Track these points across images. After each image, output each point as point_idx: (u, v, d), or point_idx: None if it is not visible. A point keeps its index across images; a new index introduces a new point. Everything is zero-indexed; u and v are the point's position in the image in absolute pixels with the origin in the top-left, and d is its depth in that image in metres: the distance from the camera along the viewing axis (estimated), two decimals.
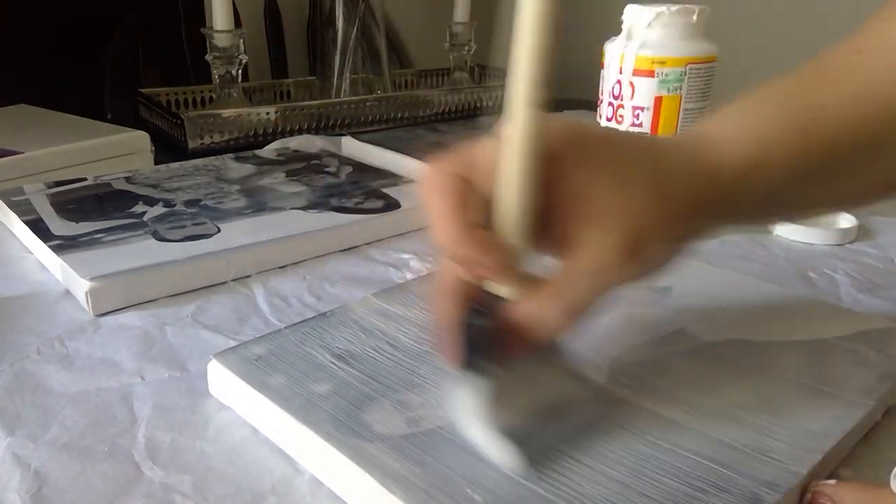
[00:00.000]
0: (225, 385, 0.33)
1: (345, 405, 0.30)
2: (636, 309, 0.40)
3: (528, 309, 0.27)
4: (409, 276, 0.47)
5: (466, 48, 1.04)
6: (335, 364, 0.33)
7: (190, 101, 0.89)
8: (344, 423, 0.29)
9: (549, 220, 0.28)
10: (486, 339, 0.28)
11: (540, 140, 0.26)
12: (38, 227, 0.48)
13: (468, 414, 0.28)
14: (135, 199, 0.55)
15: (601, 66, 0.53)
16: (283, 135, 0.81)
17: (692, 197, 0.30)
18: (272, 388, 0.31)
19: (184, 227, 0.49)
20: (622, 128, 0.51)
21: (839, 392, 0.32)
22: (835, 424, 0.30)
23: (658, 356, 0.35)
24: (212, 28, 0.81)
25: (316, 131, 0.83)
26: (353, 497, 0.28)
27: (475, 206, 0.27)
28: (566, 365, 0.31)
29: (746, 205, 0.32)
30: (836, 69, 0.34)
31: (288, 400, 0.30)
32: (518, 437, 0.27)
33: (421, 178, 0.28)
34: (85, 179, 0.59)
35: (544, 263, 0.29)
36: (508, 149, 0.27)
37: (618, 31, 0.52)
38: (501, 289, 0.28)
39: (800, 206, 0.36)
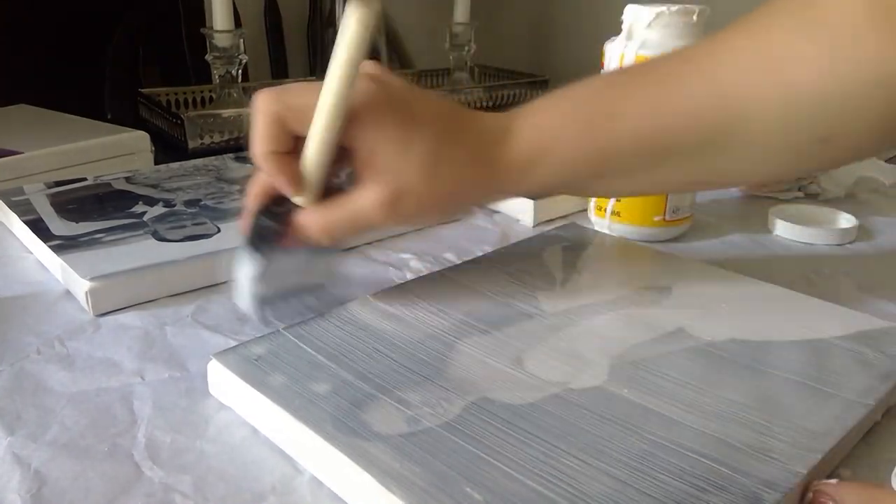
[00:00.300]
0: (225, 385, 0.33)
1: (344, 405, 0.30)
2: (636, 309, 0.40)
3: (302, 219, 0.37)
4: (408, 276, 0.47)
5: (466, 48, 1.04)
6: (335, 364, 0.33)
7: (190, 101, 0.89)
8: (344, 422, 0.29)
9: (351, 159, 0.36)
10: (271, 230, 0.37)
11: (350, 93, 0.33)
12: (38, 227, 0.48)
13: (241, 278, 0.37)
14: (135, 199, 0.55)
15: (601, 65, 0.53)
16: None
17: (465, 180, 0.36)
18: (272, 387, 0.31)
19: (184, 227, 0.49)
20: None
21: (839, 392, 0.32)
22: (835, 424, 0.30)
23: (658, 356, 0.35)
24: (212, 28, 0.81)
25: None
26: (353, 497, 0.28)
27: (280, 135, 0.35)
28: (323, 262, 0.41)
29: (523, 188, 0.38)
30: (654, 75, 0.37)
31: (288, 400, 0.30)
32: (272, 300, 0.38)
33: (253, 104, 0.35)
34: (85, 179, 0.59)
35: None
36: (322, 99, 0.34)
37: (618, 31, 0.52)
38: (296, 199, 0.37)
39: (587, 192, 0.43)
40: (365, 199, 0.35)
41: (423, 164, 0.35)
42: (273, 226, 0.37)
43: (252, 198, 0.38)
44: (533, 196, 0.42)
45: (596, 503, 0.25)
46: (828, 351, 0.36)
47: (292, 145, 0.36)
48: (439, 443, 0.28)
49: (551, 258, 0.46)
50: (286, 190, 0.36)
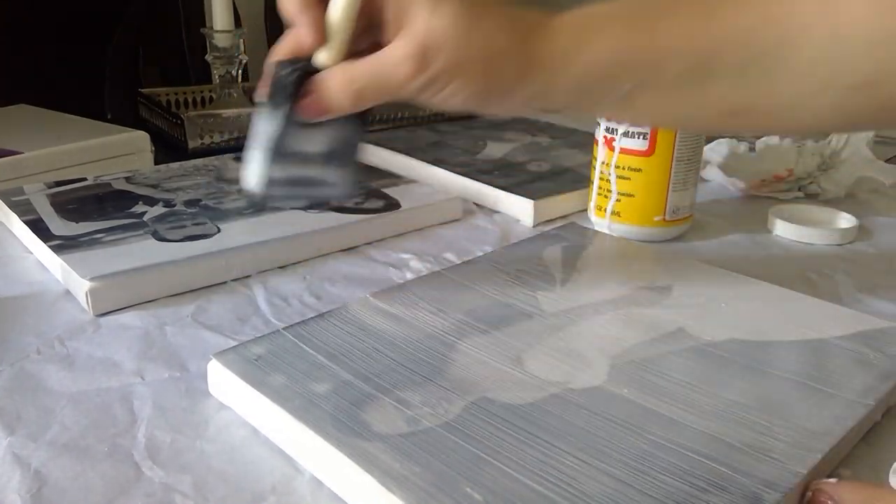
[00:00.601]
0: (225, 385, 0.33)
1: (344, 405, 0.30)
2: (636, 309, 0.40)
3: (324, 77, 0.35)
4: (409, 276, 0.47)
5: None
6: (335, 364, 0.33)
7: (190, 101, 0.89)
8: (344, 422, 0.29)
9: (380, 19, 0.34)
10: (293, 83, 0.35)
11: None
12: (38, 227, 0.48)
13: (255, 144, 0.36)
14: (135, 199, 0.55)
15: None
16: None
17: (498, 44, 0.34)
18: (272, 387, 0.31)
19: (184, 227, 0.49)
20: (622, 128, 0.51)
21: (839, 392, 0.32)
22: (835, 424, 0.30)
23: (658, 356, 0.35)
24: (212, 28, 0.81)
25: None
26: (353, 497, 0.28)
27: None
28: (345, 130, 0.38)
29: (559, 81, 0.35)
30: None
31: (288, 400, 0.30)
32: (280, 182, 0.37)
33: None
34: (85, 179, 0.59)
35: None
36: None
37: None
38: (318, 55, 0.35)
39: (625, 107, 0.37)
40: (391, 51, 0.33)
41: (454, 19, 0.33)
42: (295, 78, 0.35)
43: (276, 54, 0.36)
44: (569, 101, 0.37)
45: (596, 503, 0.25)
46: (828, 351, 0.36)
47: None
48: (439, 443, 0.28)
49: (551, 258, 0.46)
50: (310, 41, 0.34)
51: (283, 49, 0.36)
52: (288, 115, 0.35)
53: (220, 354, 0.34)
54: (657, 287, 0.42)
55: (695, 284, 0.43)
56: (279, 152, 0.36)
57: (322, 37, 0.34)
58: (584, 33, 0.34)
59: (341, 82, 0.34)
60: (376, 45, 0.35)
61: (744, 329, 0.37)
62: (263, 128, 0.35)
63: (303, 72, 0.35)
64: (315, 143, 0.37)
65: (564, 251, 0.47)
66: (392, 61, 0.33)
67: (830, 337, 0.37)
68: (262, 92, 0.36)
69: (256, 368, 0.33)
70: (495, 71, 0.34)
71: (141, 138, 0.69)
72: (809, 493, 0.27)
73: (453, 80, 0.34)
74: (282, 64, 0.35)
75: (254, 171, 0.36)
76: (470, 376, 0.33)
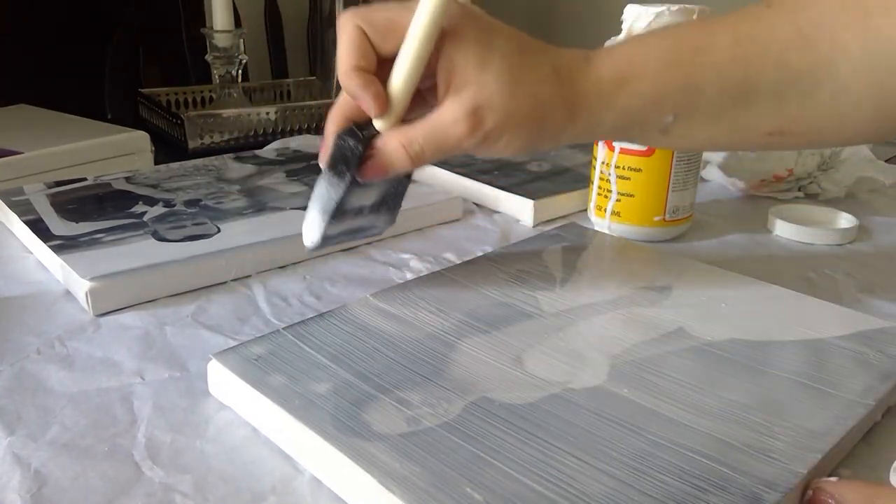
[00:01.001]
0: (225, 385, 0.33)
1: (344, 405, 0.30)
2: (636, 309, 0.40)
3: (383, 141, 0.36)
4: (409, 276, 0.47)
5: None
6: (335, 364, 0.33)
7: (190, 101, 0.89)
8: (344, 422, 0.29)
9: (432, 81, 0.36)
10: (355, 151, 0.36)
11: (442, 18, 0.34)
12: (38, 227, 0.48)
13: (316, 208, 0.37)
14: (135, 199, 0.55)
15: None
16: (283, 135, 0.81)
17: (545, 95, 0.36)
18: (272, 387, 0.31)
19: (184, 227, 0.49)
20: None
21: (839, 392, 0.32)
22: (835, 424, 0.30)
23: (658, 355, 0.35)
24: (212, 28, 0.81)
25: (316, 131, 0.83)
26: (353, 497, 0.28)
27: (366, 50, 0.35)
28: (395, 180, 0.40)
29: (604, 119, 0.37)
30: (737, 18, 0.36)
31: (288, 400, 0.30)
32: (336, 237, 0.39)
33: (337, 24, 0.36)
34: (85, 179, 0.59)
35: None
36: (419, 15, 0.34)
37: (618, 31, 0.52)
38: (377, 122, 0.36)
39: (667, 137, 0.38)
40: (446, 114, 0.35)
41: (502, 77, 0.35)
42: (357, 147, 0.36)
43: (333, 121, 0.37)
44: (615, 135, 0.41)
45: (596, 503, 0.25)
46: (828, 351, 0.36)
47: (376, 64, 0.35)
48: (439, 443, 0.28)
49: (551, 258, 0.46)
50: (371, 109, 0.35)
51: (340, 116, 0.37)
52: (350, 181, 0.36)
53: (220, 354, 0.34)
54: (657, 287, 0.42)
55: (695, 284, 0.43)
56: (338, 213, 0.37)
57: (384, 106, 0.35)
58: (623, 75, 0.36)
59: (401, 145, 0.36)
60: (422, 101, 0.37)
61: (744, 329, 0.37)
62: (325, 192, 0.37)
63: (366, 141, 0.36)
64: (369, 196, 0.39)
65: (564, 251, 0.47)
66: (447, 122, 0.35)
67: (830, 337, 0.37)
68: (324, 159, 0.37)
69: (256, 368, 0.33)
70: (543, 120, 0.36)
71: (141, 138, 0.69)
72: (810, 492, 0.27)
73: (505, 133, 0.36)
74: (343, 134, 0.36)
75: (313, 230, 0.38)
76: (470, 376, 0.33)
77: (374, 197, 0.39)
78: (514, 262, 0.45)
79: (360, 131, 0.36)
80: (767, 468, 0.27)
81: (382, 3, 0.37)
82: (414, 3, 0.35)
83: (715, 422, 0.30)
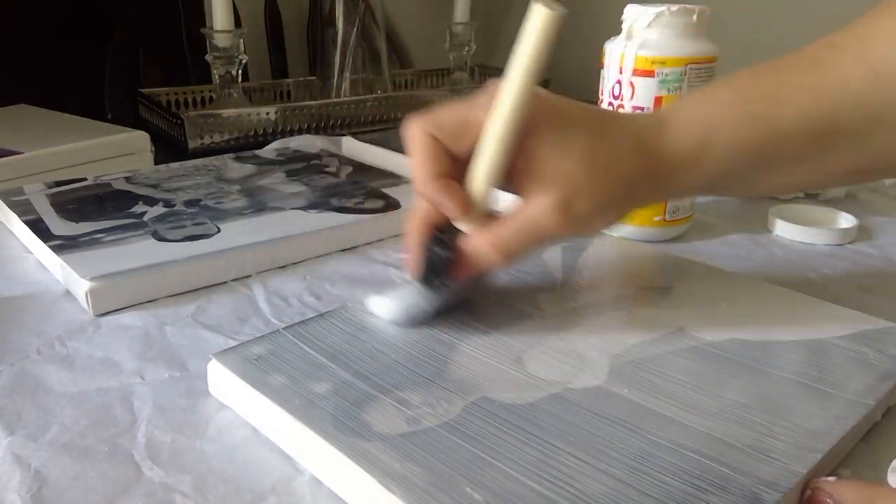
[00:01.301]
0: (225, 385, 0.33)
1: (344, 405, 0.30)
2: (636, 309, 0.40)
3: (473, 244, 0.35)
4: (409, 276, 0.47)
5: (466, 48, 1.04)
6: (335, 364, 0.33)
7: (190, 101, 0.89)
8: (344, 422, 0.29)
9: (512, 175, 0.35)
10: (445, 261, 0.35)
11: (523, 112, 0.33)
12: (38, 227, 0.48)
13: (400, 299, 0.37)
14: (135, 199, 0.55)
15: (601, 66, 0.53)
16: (283, 135, 0.81)
17: (630, 172, 0.35)
18: (272, 387, 0.31)
19: (184, 227, 0.49)
20: None
21: (839, 392, 0.32)
22: (835, 424, 0.30)
23: (658, 356, 0.35)
24: (212, 28, 0.81)
25: (316, 131, 0.83)
26: (353, 497, 0.28)
27: (441, 156, 0.34)
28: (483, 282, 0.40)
29: (690, 183, 0.36)
30: (803, 63, 0.36)
31: (288, 400, 0.30)
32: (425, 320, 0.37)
33: (405, 133, 0.35)
34: (85, 179, 0.59)
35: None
36: (498, 113, 0.33)
37: (618, 31, 0.52)
38: (461, 224, 0.35)
39: (752, 187, 0.38)
40: (537, 208, 0.34)
41: (585, 163, 0.34)
42: (447, 255, 0.35)
43: (415, 231, 0.36)
44: (700, 193, 0.41)
45: (596, 503, 0.25)
46: (828, 351, 0.36)
47: (451, 168, 0.35)
48: (439, 443, 0.28)
49: (551, 258, 0.46)
50: (455, 213, 0.35)
51: (421, 223, 0.36)
52: (441, 287, 0.36)
53: (220, 354, 0.34)
54: (657, 287, 0.42)
55: (695, 284, 0.43)
56: (429, 307, 0.37)
57: (468, 208, 0.35)
58: (704, 136, 0.35)
59: (492, 246, 0.35)
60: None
61: (744, 329, 0.37)
62: (414, 299, 0.37)
63: (453, 248, 0.35)
64: (461, 286, 0.38)
65: (564, 251, 0.47)
66: (537, 217, 0.34)
67: (830, 337, 0.37)
68: (412, 272, 0.37)
69: (256, 368, 0.33)
70: (631, 195, 0.36)
71: (141, 138, 0.69)
72: (809, 492, 0.27)
73: (596, 216, 0.35)
74: (431, 245, 0.35)
75: (396, 322, 0.37)
76: (470, 376, 0.33)
77: (467, 282, 0.38)
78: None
79: (446, 237, 0.35)
80: (767, 468, 0.27)
81: (445, 103, 0.35)
82: (483, 99, 0.34)
83: (715, 422, 0.30)
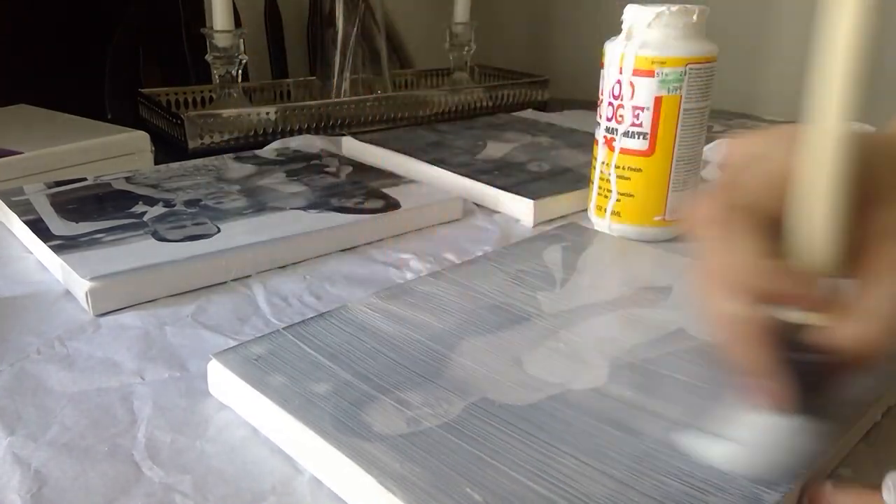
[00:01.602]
0: (225, 385, 0.33)
1: (344, 405, 0.30)
2: (636, 309, 0.40)
3: (852, 333, 0.25)
4: (409, 276, 0.47)
5: (466, 48, 1.04)
6: (335, 364, 0.33)
7: (190, 101, 0.89)
8: (344, 422, 0.29)
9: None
10: (817, 371, 0.26)
11: (851, 158, 0.25)
12: (38, 227, 0.48)
13: (788, 454, 0.27)
14: (135, 199, 0.55)
15: (601, 66, 0.53)
16: (283, 135, 0.81)
17: None
18: (272, 387, 0.31)
19: (184, 227, 0.49)
20: (622, 128, 0.51)
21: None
22: (835, 424, 0.30)
23: (658, 356, 0.35)
24: (212, 28, 0.81)
25: (316, 131, 0.83)
26: (353, 497, 0.28)
27: (759, 235, 0.26)
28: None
29: None
30: None
31: (288, 400, 0.30)
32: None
33: (691, 220, 0.27)
34: (85, 179, 0.59)
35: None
36: (814, 168, 0.25)
37: (618, 31, 0.52)
38: (809, 318, 0.26)
39: None
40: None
41: None
42: (822, 360, 0.26)
43: (757, 349, 0.26)
44: None
45: (596, 503, 0.25)
46: None
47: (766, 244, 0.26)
48: (439, 443, 0.28)
49: (551, 258, 0.46)
50: (808, 304, 0.26)
51: (761, 337, 0.26)
52: (819, 406, 0.27)
53: (220, 354, 0.34)
54: (657, 287, 0.42)
55: None
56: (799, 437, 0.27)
57: (813, 293, 0.26)
58: None
59: (873, 331, 0.25)
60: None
61: None
62: (779, 436, 0.27)
63: (817, 350, 0.26)
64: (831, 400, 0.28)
65: (564, 251, 0.47)
66: None
67: None
68: (772, 398, 0.27)
69: (256, 368, 0.33)
70: None
71: (141, 138, 0.69)
72: (806, 501, 0.27)
73: None
74: (796, 360, 0.26)
75: (762, 466, 0.27)
76: (470, 377, 0.33)
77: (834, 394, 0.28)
78: (514, 262, 0.45)
79: (804, 342, 0.26)
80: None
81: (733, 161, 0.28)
82: (777, 139, 0.27)
83: (715, 422, 0.30)
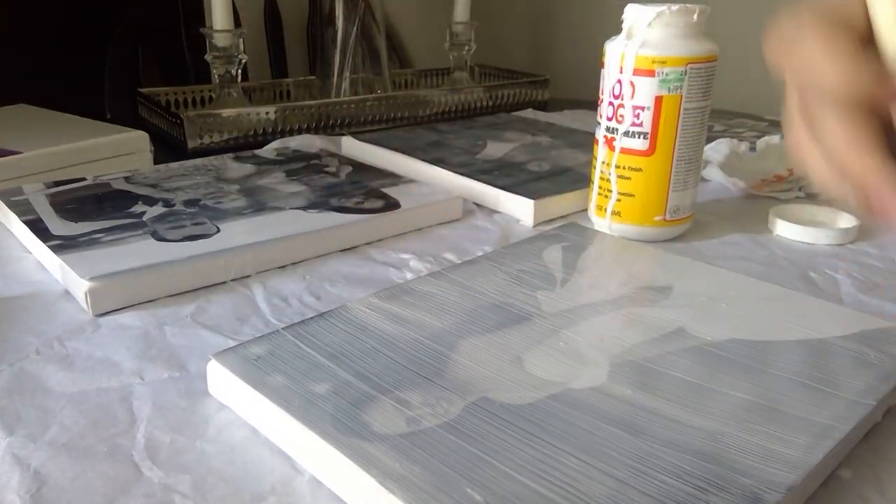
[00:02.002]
0: (224, 385, 0.33)
1: (344, 405, 0.30)
2: (636, 309, 0.40)
3: None
4: (409, 276, 0.47)
5: (466, 48, 1.04)
6: (335, 364, 0.33)
7: (190, 101, 0.89)
8: (344, 422, 0.29)
9: None
10: None
11: None
12: (38, 227, 0.48)
13: None
14: (134, 199, 0.55)
15: (601, 65, 0.53)
16: (282, 135, 0.81)
17: None
18: (272, 387, 0.31)
19: (183, 227, 0.49)
20: (622, 128, 0.51)
21: (840, 392, 0.32)
22: (835, 425, 0.30)
23: (658, 356, 0.35)
24: (211, 28, 0.81)
25: (316, 131, 0.83)
26: (352, 497, 0.28)
27: (855, 37, 0.25)
28: None
29: None
30: None
31: (287, 400, 0.30)
32: None
33: (786, 25, 0.26)
34: (84, 179, 0.59)
35: None
36: None
37: (618, 31, 0.52)
38: None
39: None
40: None
41: None
42: None
43: (869, 152, 0.25)
44: None
45: (596, 503, 0.25)
46: (828, 351, 0.35)
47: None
48: (439, 443, 0.28)
49: (551, 258, 0.46)
50: None
51: (865, 135, 0.26)
52: None
53: (220, 354, 0.34)
54: (657, 287, 0.42)
55: (695, 284, 0.43)
56: None
57: None
58: None
59: None
60: None
61: (744, 329, 0.37)
62: None
63: None
64: None
65: (564, 251, 0.47)
66: None
67: (831, 337, 0.37)
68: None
69: (256, 368, 0.33)
70: None
71: (141, 138, 0.69)
72: None
73: None
74: None
75: None
76: (470, 376, 0.33)
77: None
78: (514, 262, 0.45)
79: None
80: (768, 468, 0.27)
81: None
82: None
83: (715, 422, 0.30)
